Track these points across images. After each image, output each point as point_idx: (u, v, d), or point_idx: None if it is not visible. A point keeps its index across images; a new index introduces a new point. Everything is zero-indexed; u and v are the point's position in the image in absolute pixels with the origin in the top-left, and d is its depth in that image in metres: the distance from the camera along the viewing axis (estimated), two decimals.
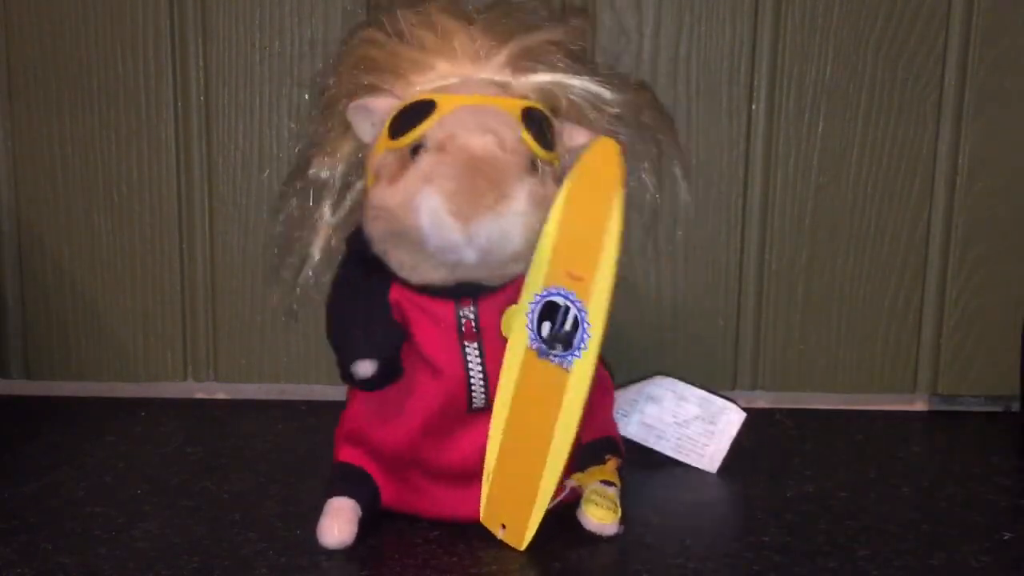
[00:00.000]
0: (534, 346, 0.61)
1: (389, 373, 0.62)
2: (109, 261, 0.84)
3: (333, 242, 0.66)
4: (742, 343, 0.86)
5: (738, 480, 0.72)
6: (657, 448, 0.76)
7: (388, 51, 0.63)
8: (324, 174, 0.65)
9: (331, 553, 0.60)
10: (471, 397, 0.62)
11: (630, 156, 0.64)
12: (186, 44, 0.82)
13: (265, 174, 0.83)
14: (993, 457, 0.78)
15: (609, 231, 0.58)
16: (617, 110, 0.65)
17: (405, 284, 0.61)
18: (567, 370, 0.60)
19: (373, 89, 0.63)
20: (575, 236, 0.59)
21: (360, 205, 0.65)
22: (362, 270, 0.63)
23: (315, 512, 0.65)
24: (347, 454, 0.65)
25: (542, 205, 0.59)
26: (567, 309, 0.59)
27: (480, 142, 0.58)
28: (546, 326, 0.60)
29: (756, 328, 0.86)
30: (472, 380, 0.62)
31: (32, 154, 0.83)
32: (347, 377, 0.63)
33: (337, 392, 0.86)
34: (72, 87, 0.82)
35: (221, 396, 0.87)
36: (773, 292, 0.85)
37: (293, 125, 0.82)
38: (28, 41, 0.81)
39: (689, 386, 0.76)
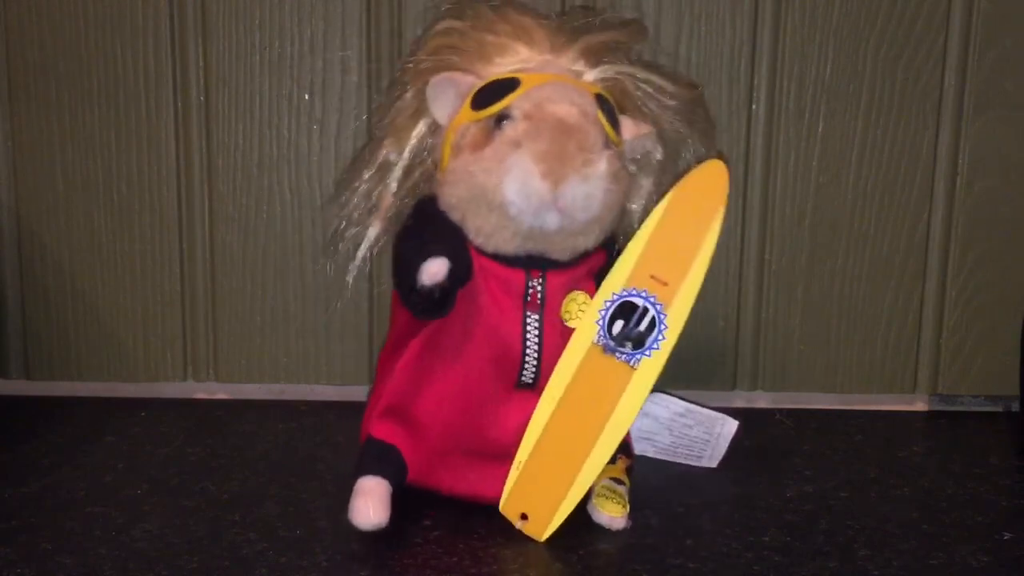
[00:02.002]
0: (601, 342, 0.63)
1: (449, 295, 0.62)
2: (109, 261, 0.84)
3: (392, 220, 0.68)
4: (742, 343, 0.86)
5: (738, 480, 0.73)
6: (654, 457, 0.76)
7: (470, 36, 0.65)
8: (392, 155, 0.67)
9: (330, 553, 0.60)
10: (522, 370, 0.64)
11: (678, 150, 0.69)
12: (186, 44, 0.82)
13: (265, 181, 0.83)
14: (993, 457, 0.78)
15: (706, 244, 0.62)
16: (676, 103, 0.68)
17: (477, 250, 0.63)
18: (633, 367, 0.62)
19: (453, 69, 0.65)
20: (668, 244, 0.63)
21: (421, 186, 0.67)
22: (433, 218, 0.64)
23: (315, 512, 0.65)
24: (380, 430, 0.65)
25: (618, 179, 0.62)
26: (644, 310, 0.62)
27: (567, 110, 0.61)
28: (618, 324, 0.63)
29: (756, 328, 0.86)
30: (527, 352, 0.63)
31: (32, 154, 0.83)
32: (410, 292, 0.62)
33: (337, 392, 0.86)
34: (72, 87, 0.82)
35: (221, 396, 0.87)
36: (773, 292, 0.85)
37: (293, 126, 0.83)
38: (28, 41, 0.81)
39: (682, 401, 0.76)
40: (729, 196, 0.63)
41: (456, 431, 0.64)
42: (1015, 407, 0.84)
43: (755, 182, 0.84)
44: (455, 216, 0.63)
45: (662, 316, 0.62)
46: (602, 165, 0.61)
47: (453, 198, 0.63)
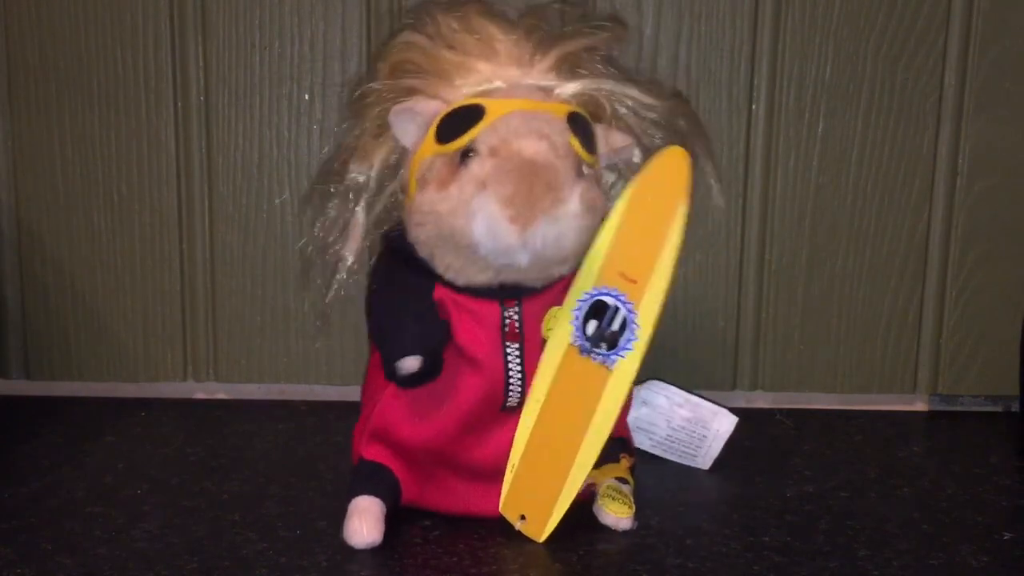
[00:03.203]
0: (577, 343, 0.62)
1: (432, 370, 0.62)
2: (109, 261, 0.84)
3: (366, 244, 0.66)
4: (742, 343, 0.86)
5: (738, 480, 0.72)
6: (650, 452, 0.76)
7: (430, 54, 0.63)
8: (360, 177, 0.65)
9: (330, 553, 0.60)
10: (507, 397, 0.63)
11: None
12: (186, 44, 0.82)
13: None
14: (993, 457, 0.78)
15: (670, 238, 0.60)
16: (657, 116, 0.65)
17: (449, 284, 0.62)
18: (609, 369, 0.61)
19: (414, 92, 0.63)
20: (634, 239, 0.61)
21: (393, 207, 0.65)
22: (404, 269, 0.63)
23: (315, 512, 0.65)
24: (370, 451, 0.64)
25: (593, 208, 0.60)
26: (616, 309, 0.61)
27: (534, 147, 0.58)
28: (592, 324, 0.61)
29: (756, 328, 0.86)
30: (511, 379, 0.62)
31: (32, 154, 0.83)
32: (391, 373, 0.62)
33: (337, 392, 0.86)
34: (72, 87, 0.82)
35: (221, 396, 0.87)
36: (773, 292, 0.85)
37: (293, 126, 0.83)
38: (28, 41, 0.81)
39: (681, 391, 0.76)
40: (695, 185, 0.60)
41: (443, 455, 0.63)
42: (1015, 407, 0.84)
43: (755, 182, 0.84)
44: (424, 252, 0.61)
45: (633, 315, 0.61)
46: (572, 204, 0.58)
47: (421, 235, 0.61)
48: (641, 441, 0.75)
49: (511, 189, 0.57)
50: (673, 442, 0.75)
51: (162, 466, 0.73)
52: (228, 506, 0.66)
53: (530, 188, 0.57)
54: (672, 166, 0.61)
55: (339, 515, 0.64)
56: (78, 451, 0.75)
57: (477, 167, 0.58)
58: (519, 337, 0.62)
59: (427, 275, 0.62)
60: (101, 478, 0.70)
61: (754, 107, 0.83)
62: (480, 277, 0.61)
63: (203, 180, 0.83)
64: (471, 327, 0.62)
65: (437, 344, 0.62)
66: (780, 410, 0.86)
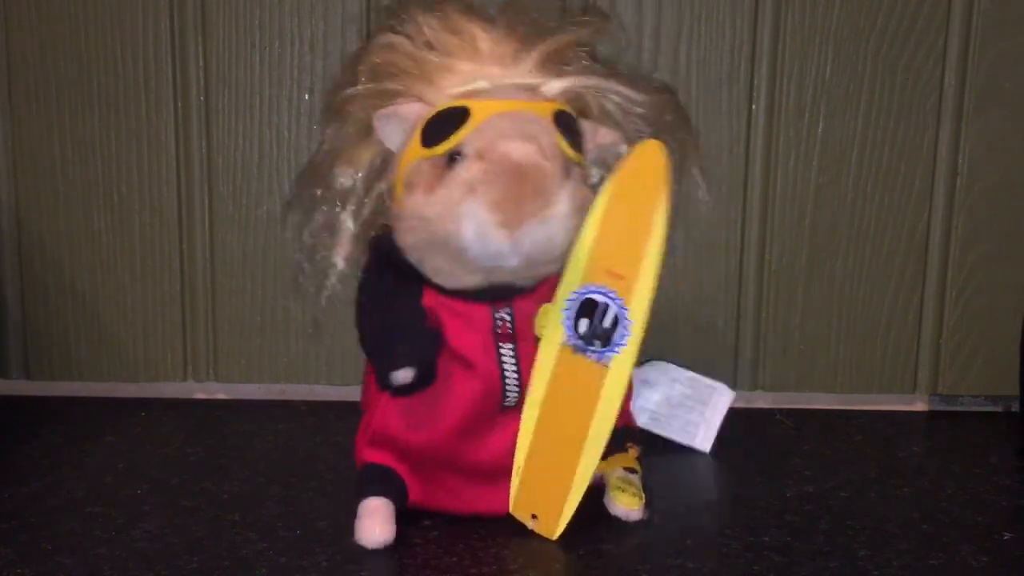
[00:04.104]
0: (570, 342, 0.62)
1: (426, 378, 0.62)
2: (109, 261, 0.84)
3: (355, 247, 0.66)
4: (742, 343, 0.86)
5: (738, 480, 0.72)
6: (652, 429, 0.77)
7: (410, 55, 0.62)
8: (347, 181, 0.65)
9: (330, 553, 0.60)
10: (504, 397, 0.63)
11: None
12: (186, 44, 0.82)
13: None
14: (993, 457, 0.78)
15: (654, 231, 0.60)
16: (643, 111, 0.65)
17: (438, 289, 0.62)
18: (605, 366, 0.61)
19: (396, 94, 0.62)
20: (617, 235, 0.61)
21: (380, 210, 0.65)
22: (392, 276, 0.63)
23: (315, 512, 0.65)
24: (374, 456, 0.64)
25: (581, 208, 0.60)
26: (606, 307, 0.61)
27: (522, 150, 0.58)
28: (583, 323, 0.61)
29: (756, 328, 0.86)
30: (507, 380, 0.62)
31: (32, 154, 0.83)
32: (384, 385, 0.62)
33: (337, 392, 0.86)
34: (72, 87, 0.82)
35: (221, 396, 0.87)
36: (773, 292, 0.85)
37: (293, 126, 0.83)
38: (28, 41, 0.81)
39: (680, 368, 0.78)
40: (673, 177, 0.60)
41: (445, 456, 0.63)
42: (1015, 407, 0.84)
43: (755, 182, 0.84)
44: (412, 256, 0.61)
45: (624, 311, 0.61)
46: (561, 205, 0.58)
47: (410, 239, 0.61)
48: (642, 420, 0.76)
49: (500, 194, 0.57)
50: (673, 419, 0.76)
51: (162, 466, 0.73)
52: (228, 506, 0.66)
53: (519, 192, 0.57)
54: (650, 159, 0.60)
55: (339, 515, 0.65)
56: (78, 451, 0.75)
57: (464, 171, 0.58)
58: (512, 337, 0.62)
59: (416, 280, 0.62)
60: (101, 478, 0.70)
61: (754, 107, 0.83)
62: (469, 280, 0.61)
63: (203, 180, 0.83)
64: (463, 331, 0.62)
65: (429, 353, 0.62)
66: (780, 410, 0.86)
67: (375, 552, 0.60)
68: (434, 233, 0.59)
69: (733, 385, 0.86)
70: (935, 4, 0.81)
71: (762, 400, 0.88)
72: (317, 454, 0.75)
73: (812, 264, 0.85)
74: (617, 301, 0.61)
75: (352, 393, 0.85)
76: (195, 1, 0.81)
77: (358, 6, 0.81)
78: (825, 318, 0.86)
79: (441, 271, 0.61)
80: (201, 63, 0.82)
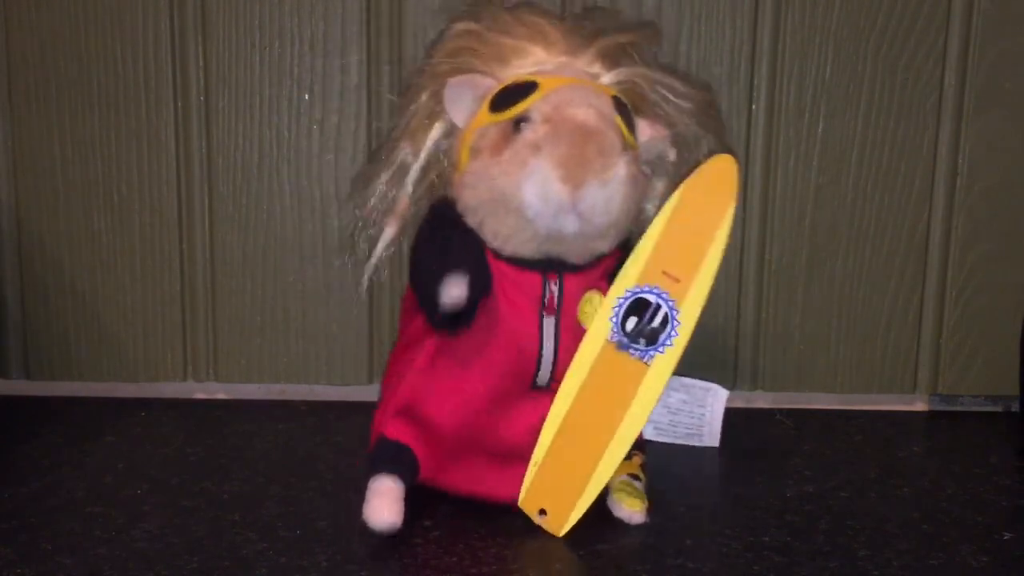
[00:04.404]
0: (615, 339, 0.63)
1: (470, 311, 0.62)
2: (109, 261, 0.84)
3: (406, 224, 0.68)
4: (742, 343, 0.86)
5: (738, 480, 0.73)
6: (658, 439, 0.78)
7: (486, 39, 0.65)
8: (409, 157, 0.67)
9: (330, 553, 0.60)
10: (538, 372, 0.64)
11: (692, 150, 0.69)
12: (186, 44, 0.82)
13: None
14: (993, 457, 0.78)
15: (717, 240, 0.62)
16: (690, 106, 0.68)
17: (495, 254, 0.63)
18: (647, 364, 0.62)
19: (470, 70, 0.65)
20: (680, 239, 0.63)
21: (439, 185, 0.67)
22: (452, 229, 0.64)
23: (315, 512, 0.65)
24: (393, 429, 0.64)
25: (636, 182, 0.63)
26: (657, 307, 0.63)
27: (585, 113, 0.61)
28: (631, 321, 0.63)
29: (756, 328, 0.86)
30: (543, 354, 0.64)
31: (32, 154, 0.83)
32: (432, 310, 0.62)
33: (337, 392, 0.86)
34: (72, 87, 0.82)
35: (221, 396, 0.87)
36: (773, 292, 0.85)
37: (293, 126, 0.83)
38: (28, 41, 0.81)
39: (674, 376, 0.77)
40: (739, 191, 0.63)
41: (470, 432, 0.64)
42: (1015, 407, 0.84)
43: (755, 182, 0.84)
44: (473, 219, 0.63)
45: (675, 312, 0.63)
46: (621, 169, 0.61)
47: (472, 200, 0.63)
48: (646, 431, 0.76)
49: (564, 151, 0.59)
50: (676, 426, 0.77)
51: (162, 466, 0.73)
52: (228, 506, 0.66)
53: (582, 150, 0.59)
54: (722, 172, 0.63)
55: (339, 515, 0.65)
56: (78, 451, 0.75)
57: (531, 133, 0.61)
58: (556, 311, 0.64)
59: (474, 236, 0.63)
60: (101, 478, 0.70)
61: (754, 107, 0.83)
62: (526, 247, 0.62)
63: (203, 180, 0.83)
64: (512, 296, 0.63)
65: (480, 279, 0.62)
66: (780, 410, 0.86)
67: (375, 552, 0.61)
68: (497, 191, 0.61)
69: (733, 385, 0.86)
70: (935, 4, 0.81)
71: (762, 400, 0.88)
72: (317, 454, 0.75)
73: (812, 264, 0.85)
74: (670, 303, 0.63)
75: (352, 393, 0.85)
76: (195, 1, 0.81)
77: (358, 6, 0.81)
78: (825, 318, 0.86)
79: (499, 235, 0.62)
80: (201, 63, 0.82)
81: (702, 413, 0.77)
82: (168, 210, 0.84)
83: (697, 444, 0.78)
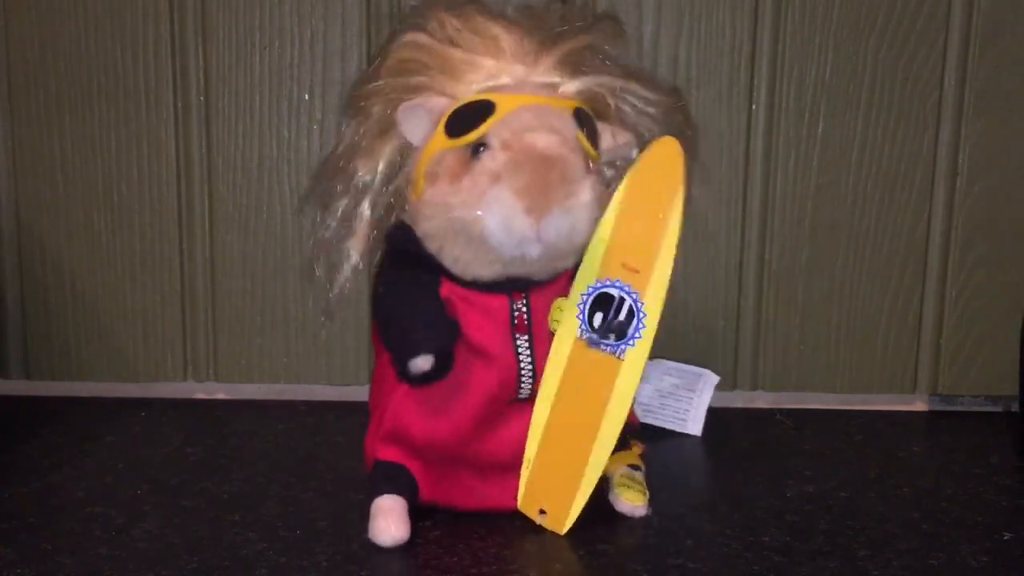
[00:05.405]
0: (584, 336, 0.63)
1: (443, 367, 0.62)
2: (109, 261, 0.84)
3: (371, 241, 0.67)
4: (742, 343, 0.86)
5: (738, 480, 0.72)
6: (644, 420, 0.80)
7: (435, 52, 0.63)
8: (366, 176, 0.65)
9: (330, 553, 0.60)
10: (519, 388, 0.63)
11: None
12: (186, 44, 0.82)
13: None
14: (993, 457, 0.78)
15: (670, 226, 0.61)
16: (656, 111, 0.66)
17: (455, 280, 0.62)
18: (620, 359, 0.62)
19: (420, 89, 0.63)
20: (633, 229, 0.62)
21: (397, 206, 0.66)
22: (410, 268, 0.63)
23: (315, 512, 0.65)
24: (386, 453, 0.64)
25: (600, 201, 0.62)
26: (621, 300, 0.62)
27: (546, 140, 0.59)
28: (598, 317, 0.62)
29: (756, 328, 0.86)
30: (522, 371, 0.63)
31: (32, 154, 0.83)
32: (402, 373, 0.63)
33: (337, 392, 0.86)
34: (72, 87, 0.82)
35: (221, 396, 0.87)
36: (773, 292, 0.85)
37: (293, 126, 0.83)
38: (28, 42, 0.81)
39: (667, 361, 0.83)
40: (689, 173, 0.61)
41: (459, 451, 0.64)
42: (1015, 407, 0.84)
43: (755, 182, 0.84)
44: (432, 245, 0.62)
45: (639, 304, 0.62)
46: (585, 194, 0.59)
47: (430, 228, 0.61)
48: (637, 413, 0.77)
49: (526, 181, 0.58)
50: (664, 409, 0.80)
51: (162, 466, 0.73)
52: (228, 506, 0.66)
53: (544, 180, 0.58)
54: (667, 155, 0.61)
55: (339, 515, 0.65)
56: (78, 451, 0.75)
57: (490, 160, 0.59)
58: (528, 329, 0.63)
59: (434, 272, 0.63)
60: (101, 478, 0.70)
61: (754, 107, 0.83)
62: (488, 271, 0.61)
63: (203, 180, 0.83)
64: (481, 322, 0.62)
65: (447, 342, 0.62)
66: (780, 410, 0.86)
67: (375, 552, 0.61)
68: (457, 220, 0.60)
69: (733, 385, 0.86)
70: (935, 4, 0.81)
71: (762, 400, 0.88)
72: (317, 454, 0.75)
73: (812, 264, 0.85)
74: (633, 295, 0.62)
75: (352, 393, 0.85)
76: (195, 1, 0.81)
77: (358, 6, 0.81)
78: (825, 318, 0.86)
79: (460, 260, 0.61)
80: (201, 63, 0.82)
81: (691, 398, 0.80)
82: (168, 210, 0.84)
83: (680, 430, 0.80)
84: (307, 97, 0.82)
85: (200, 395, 0.87)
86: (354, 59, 0.82)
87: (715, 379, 0.81)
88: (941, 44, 0.82)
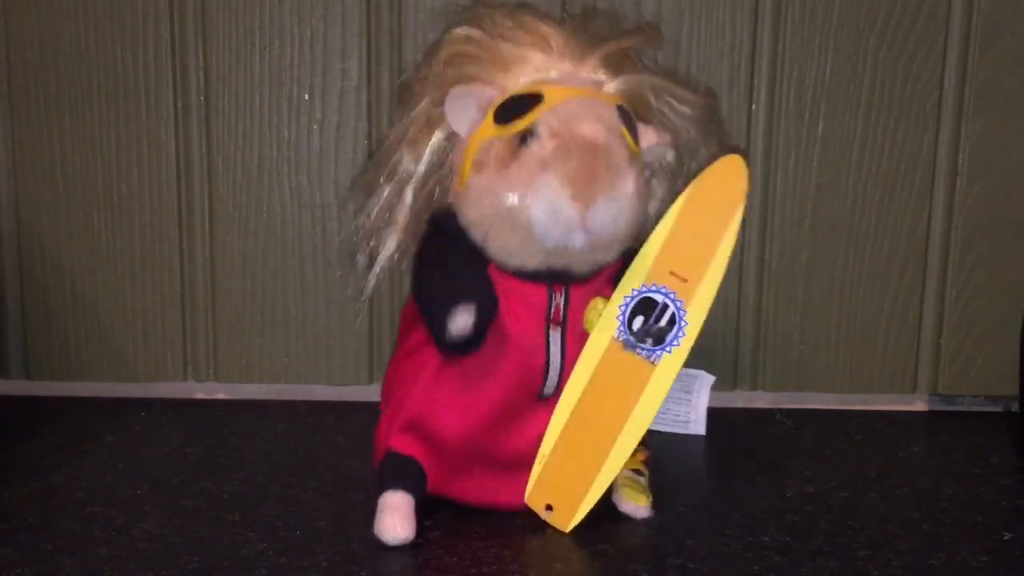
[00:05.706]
0: (621, 338, 0.63)
1: (479, 335, 0.62)
2: (109, 261, 0.84)
3: (409, 231, 0.68)
4: (742, 343, 0.86)
5: (738, 480, 0.73)
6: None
7: (486, 46, 0.64)
8: (411, 166, 0.67)
9: (330, 553, 0.60)
10: (544, 383, 0.64)
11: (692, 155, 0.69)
12: (186, 44, 0.82)
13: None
14: (993, 457, 0.78)
15: (725, 240, 0.62)
16: (693, 112, 0.68)
17: (498, 268, 0.63)
18: (654, 364, 0.62)
19: (471, 79, 0.64)
20: (687, 239, 0.63)
21: (438, 195, 0.67)
22: (455, 247, 0.64)
23: (315, 512, 0.65)
24: (399, 441, 0.64)
25: (641, 194, 0.63)
26: (665, 306, 0.63)
27: (593, 129, 0.61)
28: (638, 320, 0.63)
29: (756, 328, 0.86)
30: (550, 365, 0.63)
31: (32, 154, 0.83)
32: (441, 334, 0.62)
33: (337, 392, 0.86)
34: (72, 87, 0.82)
35: (221, 396, 0.87)
36: (773, 292, 0.85)
37: (293, 125, 0.83)
38: (28, 42, 0.81)
39: None
40: (749, 192, 0.63)
41: (477, 444, 0.64)
42: (1015, 407, 0.84)
43: (755, 182, 0.84)
44: (476, 233, 0.62)
45: (682, 312, 0.63)
46: (629, 185, 0.61)
47: (476, 215, 0.62)
48: None
49: (573, 168, 0.59)
50: (666, 413, 0.80)
51: (162, 466, 0.73)
52: (228, 506, 0.66)
53: (592, 168, 0.59)
54: (731, 173, 0.63)
55: (339, 515, 0.65)
56: (78, 451, 0.75)
57: (538, 148, 0.60)
58: (562, 322, 0.64)
59: (478, 255, 0.63)
60: (101, 478, 0.70)
61: (754, 107, 0.83)
62: (531, 261, 0.62)
63: (203, 180, 0.83)
64: (519, 310, 0.63)
65: (487, 307, 0.62)
66: (780, 410, 0.86)
67: (375, 552, 0.61)
68: (505, 208, 0.60)
69: (733, 385, 0.86)
70: (935, 4, 0.81)
71: (762, 400, 0.88)
72: (317, 454, 0.75)
73: (812, 264, 0.85)
74: (677, 303, 0.63)
75: (352, 393, 0.85)
76: (195, 1, 0.81)
77: (358, 6, 0.81)
78: (825, 318, 0.86)
79: (504, 249, 0.62)
80: (201, 63, 0.82)
81: (688, 399, 0.79)
82: (168, 210, 0.84)
83: (682, 432, 0.80)
84: (307, 97, 0.82)
85: (200, 395, 0.87)
86: (354, 59, 0.82)
87: (711, 379, 0.82)
88: (941, 44, 0.82)
